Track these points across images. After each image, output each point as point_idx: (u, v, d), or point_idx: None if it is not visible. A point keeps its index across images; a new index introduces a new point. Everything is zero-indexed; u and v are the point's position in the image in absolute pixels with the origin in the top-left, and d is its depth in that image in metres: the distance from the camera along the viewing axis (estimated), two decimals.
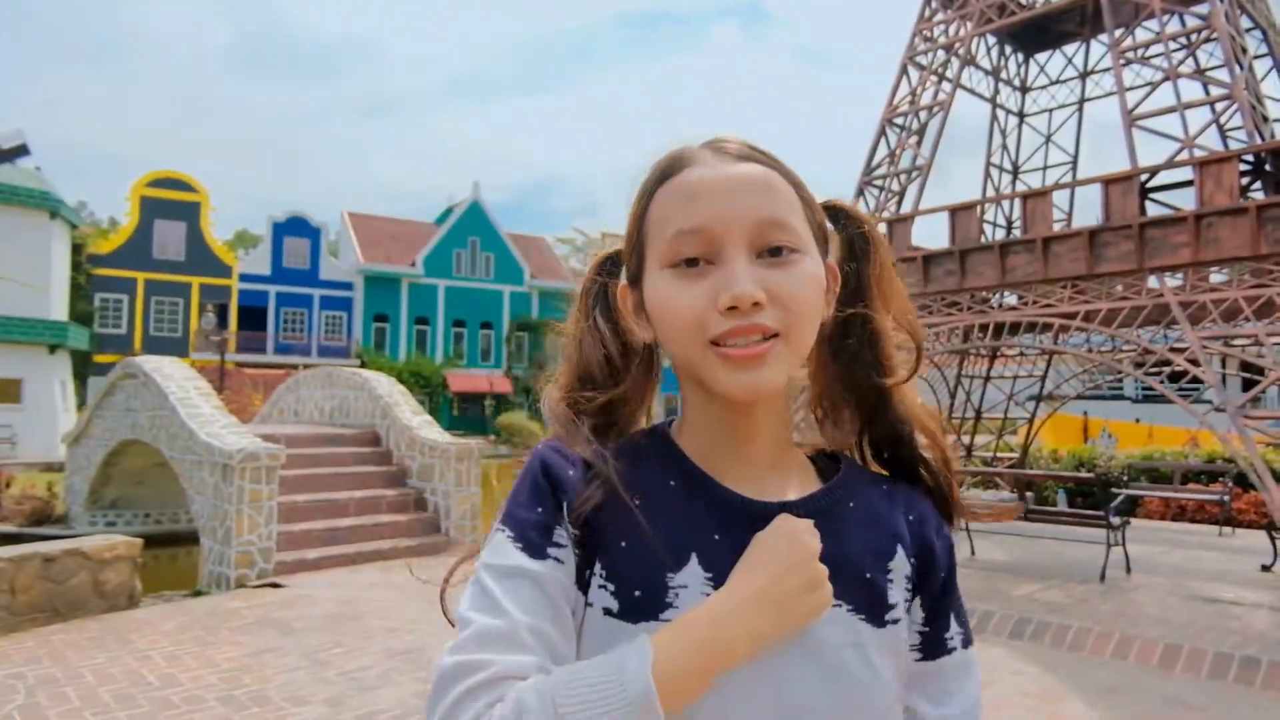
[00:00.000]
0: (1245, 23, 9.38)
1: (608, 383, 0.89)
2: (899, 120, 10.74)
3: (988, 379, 13.72)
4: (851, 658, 0.78)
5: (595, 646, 0.75)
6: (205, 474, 9.47)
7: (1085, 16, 10.63)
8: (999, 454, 14.31)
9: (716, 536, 0.80)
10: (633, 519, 0.78)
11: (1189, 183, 7.91)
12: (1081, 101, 11.64)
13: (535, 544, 0.77)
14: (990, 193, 12.46)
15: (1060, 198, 10.98)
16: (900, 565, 0.85)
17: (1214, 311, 7.32)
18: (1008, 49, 12.07)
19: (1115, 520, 8.14)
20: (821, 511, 0.83)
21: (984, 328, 9.45)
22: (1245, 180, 7.89)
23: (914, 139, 10.59)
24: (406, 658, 5.90)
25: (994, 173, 12.51)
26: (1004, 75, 12.14)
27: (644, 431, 0.92)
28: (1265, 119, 8.46)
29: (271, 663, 5.77)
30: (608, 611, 0.77)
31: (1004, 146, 12.52)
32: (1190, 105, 7.94)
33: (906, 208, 10.84)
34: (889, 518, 0.87)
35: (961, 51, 10.97)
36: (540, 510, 0.79)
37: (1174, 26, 8.71)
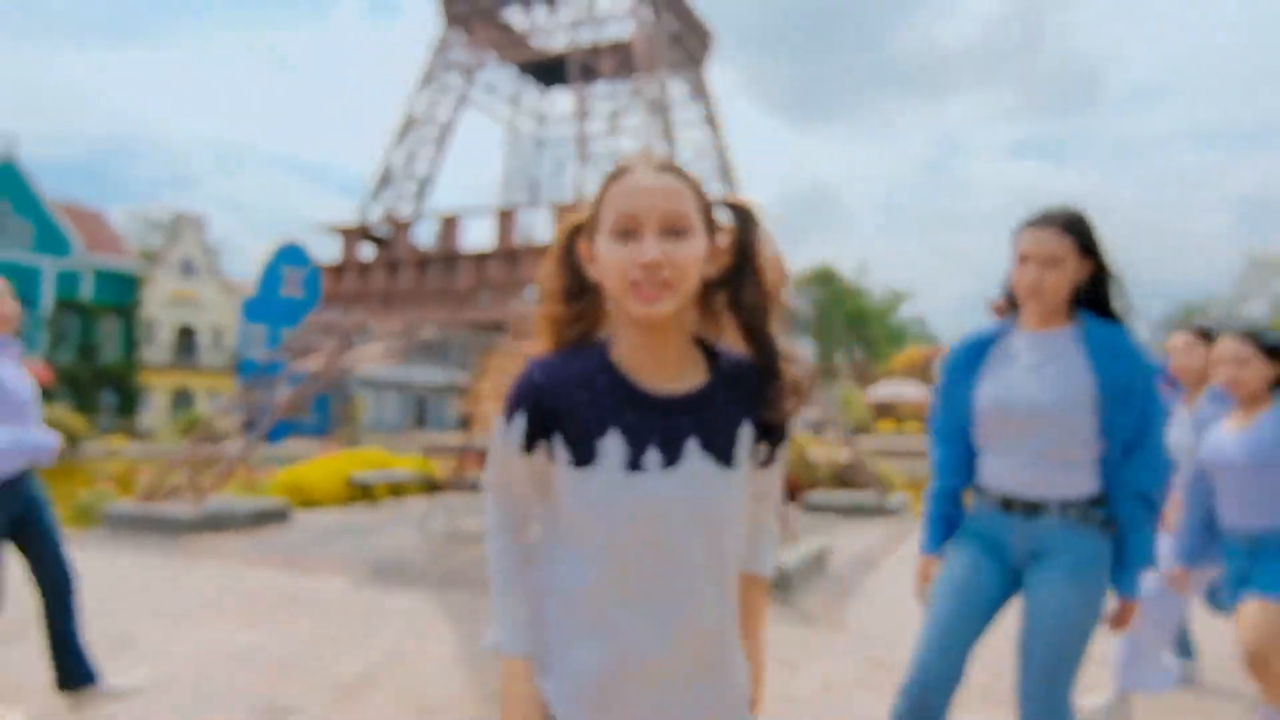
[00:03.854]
0: (677, 95, 11.98)
1: (571, 303, 1.35)
2: (415, 131, 11.73)
3: None
4: (707, 478, 1.29)
5: (564, 484, 1.29)
6: None
7: (582, 63, 12.50)
8: None
9: (630, 415, 1.28)
10: (576, 404, 1.28)
11: None
12: (581, 133, 13.55)
13: (517, 438, 1.31)
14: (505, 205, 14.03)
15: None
16: (745, 432, 1.34)
17: None
18: (527, 80, 13.73)
19: None
20: (702, 398, 1.32)
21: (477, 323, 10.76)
22: None
23: (428, 148, 11.64)
24: None
25: (513, 190, 14.14)
26: (523, 104, 13.80)
27: (594, 343, 1.36)
28: None
29: None
30: (568, 462, 1.28)
31: (523, 168, 14.21)
32: (623, 153, 9.96)
33: (423, 209, 11.85)
34: (745, 400, 1.35)
35: (482, 77, 12.27)
36: (517, 413, 1.31)
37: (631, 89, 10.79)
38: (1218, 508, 3.11)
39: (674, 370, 1.33)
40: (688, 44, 12.23)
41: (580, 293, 1.36)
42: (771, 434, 1.39)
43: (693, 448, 1.29)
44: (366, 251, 11.49)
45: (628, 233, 1.24)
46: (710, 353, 1.38)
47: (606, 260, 1.26)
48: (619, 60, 10.93)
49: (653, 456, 1.27)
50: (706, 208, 1.31)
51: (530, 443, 1.31)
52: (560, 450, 1.29)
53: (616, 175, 1.31)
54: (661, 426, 1.29)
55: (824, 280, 60.55)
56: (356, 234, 11.31)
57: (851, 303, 59.59)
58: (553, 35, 12.09)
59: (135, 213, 53.16)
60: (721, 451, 1.31)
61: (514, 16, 12.02)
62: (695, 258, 1.26)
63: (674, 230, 1.24)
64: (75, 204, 41.44)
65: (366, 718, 3.88)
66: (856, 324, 59.73)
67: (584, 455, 1.27)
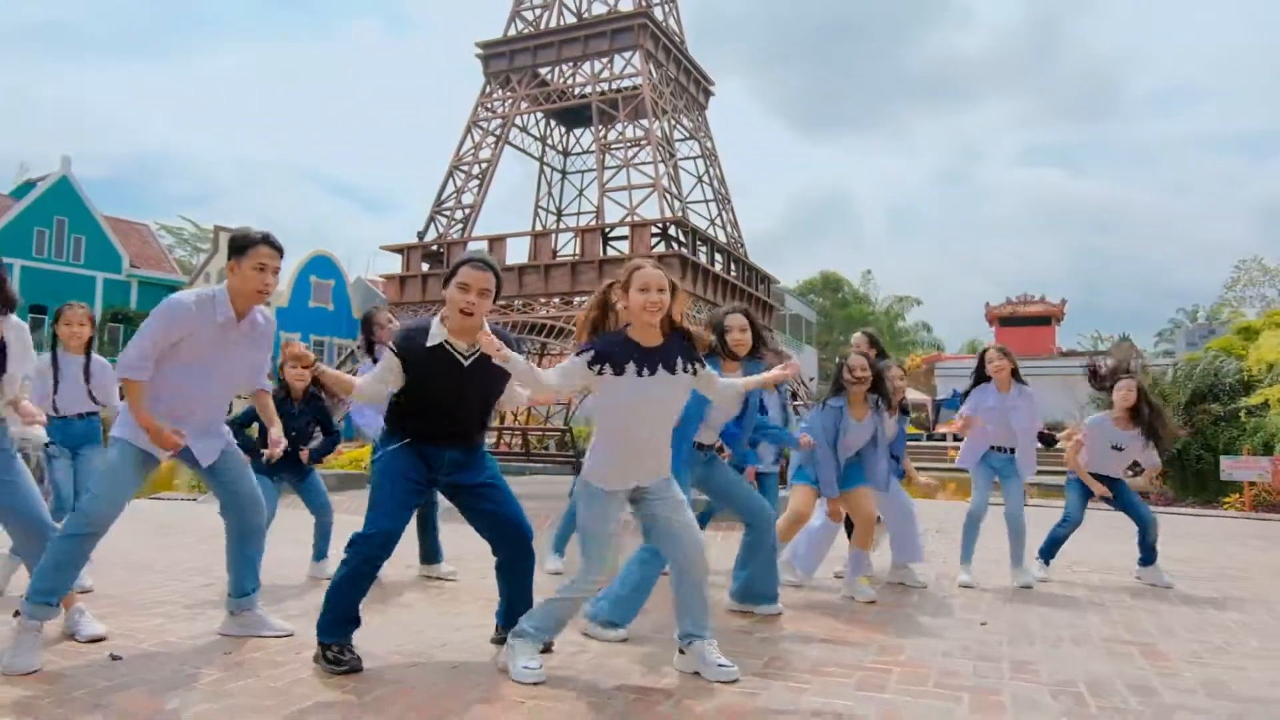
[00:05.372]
0: (680, 134, 14.30)
1: (602, 319, 3.40)
2: (463, 168, 14.10)
3: None
4: (666, 382, 3.31)
5: (606, 385, 3.28)
6: None
7: (601, 111, 14.86)
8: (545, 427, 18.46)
9: (637, 355, 3.27)
10: (618, 353, 3.28)
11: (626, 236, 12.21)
12: (601, 168, 15.92)
13: (594, 365, 3.31)
14: (538, 229, 16.38)
15: (564, 236, 15.16)
16: (680, 360, 3.34)
17: None
18: (553, 122, 16.09)
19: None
20: (663, 348, 3.33)
21: (518, 327, 13.06)
22: (655, 239, 12.41)
23: (474, 183, 14.01)
24: None
25: (541, 214, 16.49)
26: (550, 142, 16.17)
27: (616, 331, 3.37)
28: (679, 200, 13.16)
29: None
30: (611, 374, 3.24)
31: (550, 194, 16.58)
32: (635, 186, 12.28)
33: (471, 233, 14.20)
34: (681, 348, 3.37)
35: (516, 121, 14.65)
36: (593, 356, 3.28)
37: (639, 132, 13.10)
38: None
39: (654, 339, 3.26)
40: (691, 91, 14.52)
41: (601, 316, 3.36)
42: (696, 360, 3.43)
43: (661, 368, 3.25)
44: (420, 265, 13.82)
45: (644, 290, 3.17)
46: (673, 327, 3.36)
47: (636, 300, 3.18)
48: (632, 107, 13.27)
49: (645, 371, 3.22)
50: (672, 283, 3.29)
51: (598, 368, 3.22)
52: (607, 369, 3.19)
53: (638, 267, 3.28)
54: (649, 360, 3.24)
55: (830, 286, 62.44)
56: (416, 250, 13.69)
57: (856, 309, 61.30)
58: (577, 87, 14.43)
59: (162, 226, 55.79)
60: (670, 369, 3.28)
61: (545, 71, 14.37)
62: (669, 301, 3.24)
63: (660, 290, 3.18)
64: (122, 218, 44.07)
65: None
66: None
67: (619, 371, 3.19)
